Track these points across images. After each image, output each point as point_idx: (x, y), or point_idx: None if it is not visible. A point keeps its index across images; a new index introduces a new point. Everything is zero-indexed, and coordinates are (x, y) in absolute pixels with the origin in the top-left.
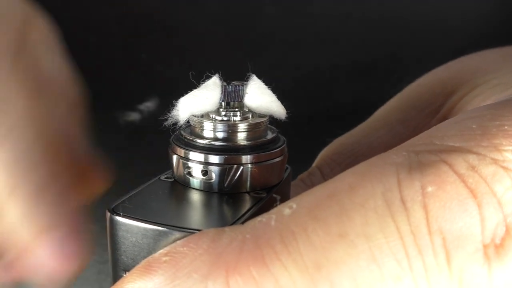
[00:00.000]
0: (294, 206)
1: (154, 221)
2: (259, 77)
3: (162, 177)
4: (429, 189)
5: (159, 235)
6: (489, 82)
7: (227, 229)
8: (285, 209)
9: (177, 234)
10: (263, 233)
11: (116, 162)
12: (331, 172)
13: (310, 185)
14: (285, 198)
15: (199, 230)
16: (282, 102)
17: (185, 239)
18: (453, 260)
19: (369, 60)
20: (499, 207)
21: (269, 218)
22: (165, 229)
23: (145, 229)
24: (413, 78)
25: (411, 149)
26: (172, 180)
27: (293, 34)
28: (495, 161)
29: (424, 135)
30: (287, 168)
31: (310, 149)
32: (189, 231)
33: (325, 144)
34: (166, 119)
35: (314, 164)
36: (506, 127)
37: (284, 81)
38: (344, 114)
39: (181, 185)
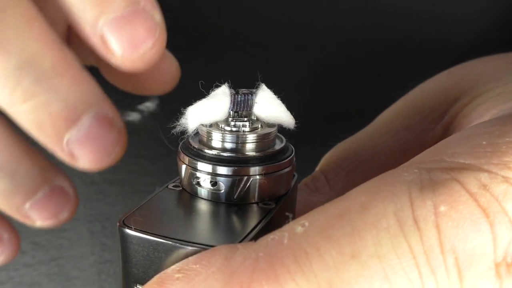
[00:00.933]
0: (307, 224)
1: (165, 236)
2: (263, 79)
3: (170, 186)
4: (442, 208)
5: (170, 250)
6: (492, 90)
7: (239, 246)
8: (298, 227)
9: (188, 249)
10: (276, 252)
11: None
12: (336, 177)
13: (314, 189)
14: (292, 205)
15: (210, 246)
16: (287, 106)
17: (197, 256)
18: (465, 279)
19: (373, 63)
20: (511, 226)
21: (282, 236)
22: (176, 244)
23: (156, 243)
24: (417, 82)
25: (422, 166)
26: (180, 188)
27: (297, 36)
28: (506, 179)
29: (434, 150)
30: (294, 175)
31: (314, 152)
32: (201, 246)
33: (328, 147)
34: (174, 127)
35: (317, 168)
36: None
37: (288, 84)
38: (348, 118)
39: (189, 194)
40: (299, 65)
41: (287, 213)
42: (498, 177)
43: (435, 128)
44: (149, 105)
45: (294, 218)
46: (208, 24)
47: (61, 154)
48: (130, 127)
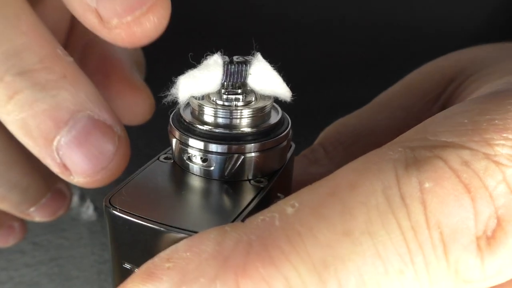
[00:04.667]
0: (297, 204)
1: (151, 219)
2: None
3: (161, 158)
4: (427, 185)
5: (155, 234)
6: (485, 69)
7: (228, 228)
8: (288, 208)
9: (175, 235)
10: (268, 234)
11: None
12: (334, 150)
13: (313, 160)
14: (287, 180)
15: (197, 232)
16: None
17: (186, 242)
18: (450, 252)
19: (372, 60)
20: (491, 200)
21: (272, 217)
22: (161, 229)
23: (141, 226)
24: None
25: (407, 145)
26: (171, 161)
27: (295, 33)
28: (486, 156)
29: (418, 129)
30: (290, 146)
31: (309, 141)
32: (187, 232)
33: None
34: (165, 96)
35: (316, 142)
36: (496, 121)
37: (287, 77)
38: (345, 111)
39: (180, 168)
40: (298, 62)
41: (279, 194)
42: (479, 154)
43: (432, 108)
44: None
45: (284, 182)
46: (206, 21)
47: (52, 164)
48: (130, 127)
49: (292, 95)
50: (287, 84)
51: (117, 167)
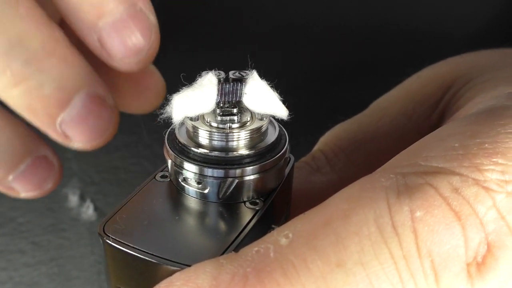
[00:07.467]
0: (291, 235)
1: (144, 250)
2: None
3: (158, 177)
4: (418, 214)
5: (148, 265)
6: (482, 76)
7: (223, 261)
8: (282, 239)
9: (168, 267)
10: (264, 266)
11: (114, 162)
12: (335, 157)
13: (315, 168)
14: (286, 193)
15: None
16: (284, 100)
17: (181, 276)
18: (441, 281)
19: (372, 62)
20: (481, 227)
21: (267, 248)
22: (154, 261)
23: (135, 256)
24: None
25: (398, 171)
26: (168, 180)
27: (295, 35)
28: (476, 182)
29: (409, 153)
30: (289, 159)
31: (308, 143)
32: (180, 265)
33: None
34: (162, 113)
35: (316, 148)
36: (486, 145)
37: (288, 84)
38: (344, 112)
39: (176, 188)
40: (297, 64)
41: (273, 225)
42: (469, 180)
43: (431, 115)
44: None
45: (284, 192)
46: (205, 23)
47: (54, 135)
48: (130, 127)
49: (291, 96)
50: (286, 90)
51: (111, 133)
